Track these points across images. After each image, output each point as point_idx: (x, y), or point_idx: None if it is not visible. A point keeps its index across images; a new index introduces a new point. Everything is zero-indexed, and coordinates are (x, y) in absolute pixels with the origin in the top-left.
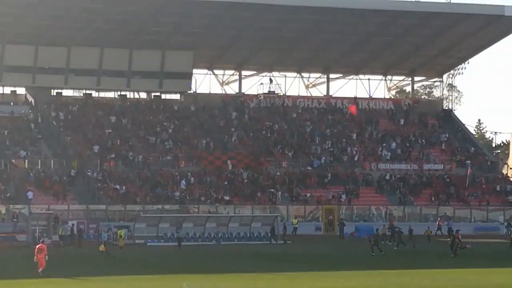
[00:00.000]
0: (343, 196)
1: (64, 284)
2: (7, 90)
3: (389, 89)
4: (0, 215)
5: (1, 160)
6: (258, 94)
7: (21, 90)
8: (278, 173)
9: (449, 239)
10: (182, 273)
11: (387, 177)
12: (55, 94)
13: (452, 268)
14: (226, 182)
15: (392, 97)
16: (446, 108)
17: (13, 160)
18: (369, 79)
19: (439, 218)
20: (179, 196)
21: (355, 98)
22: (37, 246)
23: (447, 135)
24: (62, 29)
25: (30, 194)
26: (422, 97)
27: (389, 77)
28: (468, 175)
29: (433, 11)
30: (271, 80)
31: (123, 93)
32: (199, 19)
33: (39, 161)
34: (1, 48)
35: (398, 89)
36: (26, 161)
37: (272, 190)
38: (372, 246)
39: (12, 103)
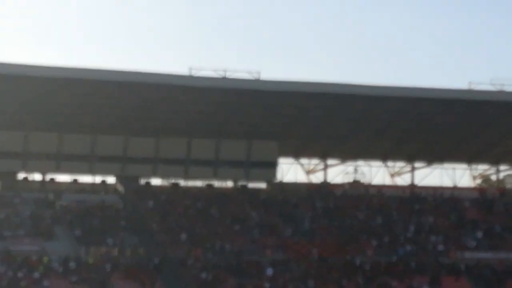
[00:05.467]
0: (428, 285)
1: None
2: (98, 179)
3: (474, 178)
4: None
5: (91, 248)
6: (343, 183)
7: (111, 180)
8: (363, 261)
9: None
10: None
11: (473, 266)
12: (143, 183)
13: None
14: (312, 271)
15: (478, 186)
16: None
17: (103, 249)
18: (453, 168)
19: None
20: (265, 285)
21: None
22: None
23: None
24: (151, 120)
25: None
26: (508, 186)
27: (474, 166)
28: None
29: None
30: (356, 169)
31: (210, 182)
32: (285, 109)
33: (128, 249)
34: (92, 139)
35: (484, 178)
36: (116, 249)
37: (358, 278)
38: None
39: (102, 193)
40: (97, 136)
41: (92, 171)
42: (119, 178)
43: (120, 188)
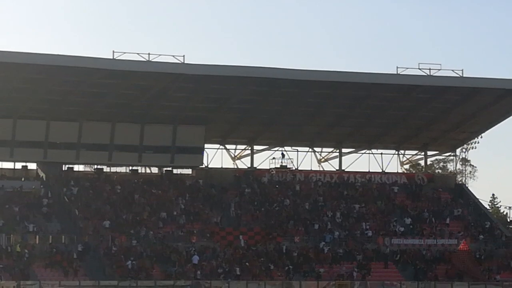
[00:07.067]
0: (356, 272)
1: None
2: (18, 165)
3: (402, 164)
4: None
5: (11, 236)
6: (270, 169)
7: (32, 166)
8: (291, 248)
9: None
10: None
11: (401, 252)
12: (66, 169)
13: None
14: (239, 258)
15: (406, 171)
16: (460, 182)
17: (23, 236)
18: (381, 153)
19: None
20: (191, 272)
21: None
22: None
23: (461, 210)
24: (73, 104)
25: None
26: (437, 171)
27: (402, 151)
28: (464, 248)
29: (446, 85)
30: (283, 155)
31: (134, 168)
32: (210, 94)
33: (50, 236)
34: (13, 123)
35: (412, 164)
36: (37, 236)
37: (285, 265)
38: None
39: (23, 179)
40: (18, 120)
41: (13, 157)
42: (40, 164)
43: (42, 174)
